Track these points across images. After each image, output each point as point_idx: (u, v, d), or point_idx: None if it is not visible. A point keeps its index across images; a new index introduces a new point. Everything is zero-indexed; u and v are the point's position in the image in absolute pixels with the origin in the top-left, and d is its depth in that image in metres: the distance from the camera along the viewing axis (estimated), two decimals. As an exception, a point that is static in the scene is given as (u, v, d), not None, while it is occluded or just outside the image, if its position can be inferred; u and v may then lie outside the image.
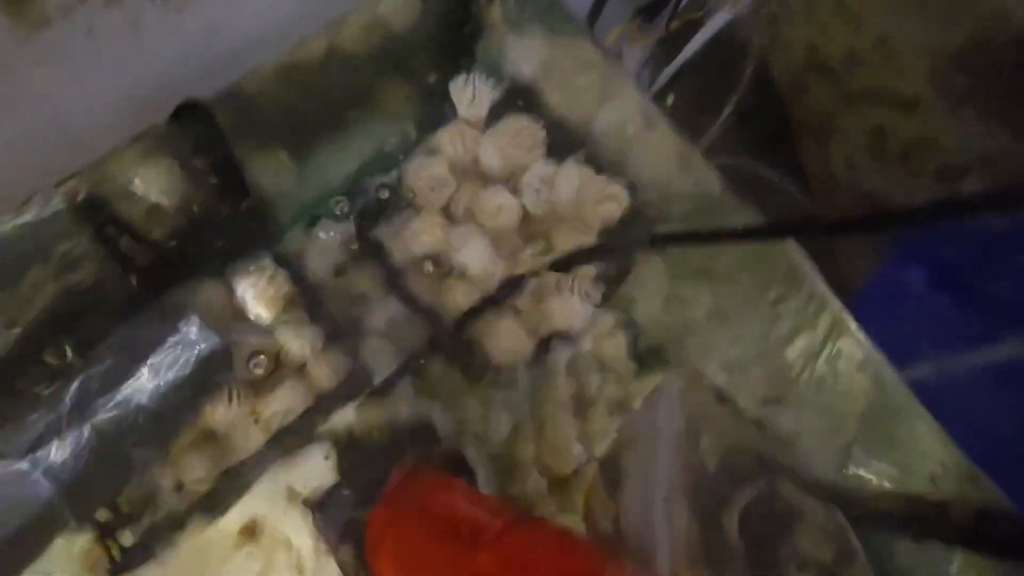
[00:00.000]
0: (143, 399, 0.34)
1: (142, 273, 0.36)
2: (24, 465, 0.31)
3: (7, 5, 0.22)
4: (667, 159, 0.38)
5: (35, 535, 0.32)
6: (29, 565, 0.31)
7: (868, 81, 0.25)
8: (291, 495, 0.46)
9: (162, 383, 0.34)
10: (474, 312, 0.40)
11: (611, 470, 0.32)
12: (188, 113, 0.29)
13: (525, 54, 0.42)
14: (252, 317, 0.41)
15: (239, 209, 0.38)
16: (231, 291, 0.41)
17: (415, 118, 0.50)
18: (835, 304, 0.41)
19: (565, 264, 0.39)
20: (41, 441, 0.31)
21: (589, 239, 0.43)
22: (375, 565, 0.33)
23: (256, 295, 0.40)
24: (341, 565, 0.34)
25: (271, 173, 0.44)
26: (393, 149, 0.51)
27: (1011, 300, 0.27)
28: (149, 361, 0.34)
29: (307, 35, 0.38)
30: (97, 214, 0.29)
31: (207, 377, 0.37)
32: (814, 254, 0.39)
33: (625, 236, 0.34)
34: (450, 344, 0.49)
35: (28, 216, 0.28)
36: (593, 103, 0.41)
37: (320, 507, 0.36)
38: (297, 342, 0.41)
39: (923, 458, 0.41)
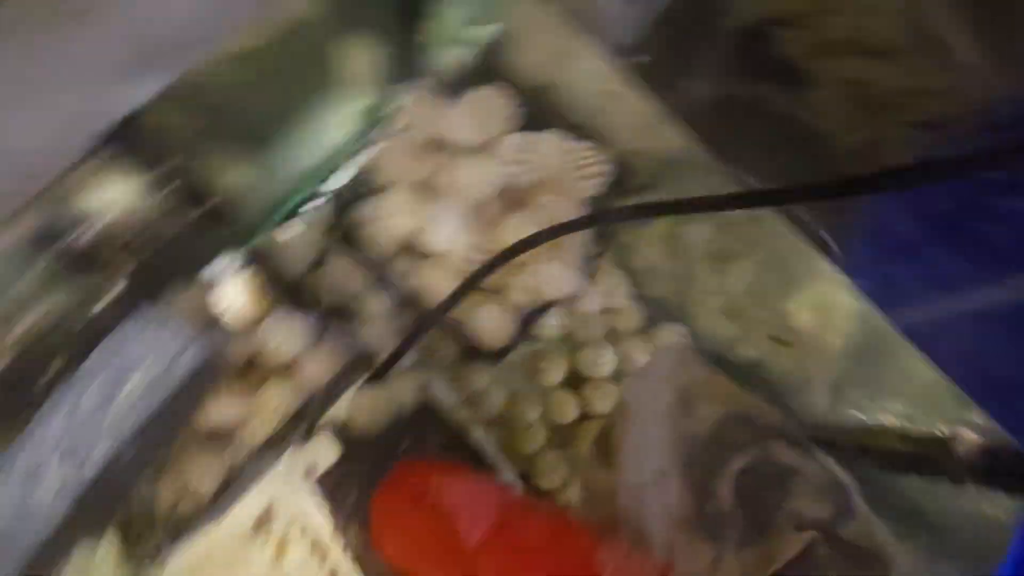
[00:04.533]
0: (133, 412, 0.34)
1: (119, 285, 0.36)
2: (25, 489, 0.31)
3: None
4: (644, 121, 0.36)
5: (49, 554, 0.32)
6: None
7: (838, 31, 0.23)
8: (300, 481, 0.47)
9: (151, 394, 0.34)
10: (457, 295, 0.40)
11: (604, 446, 0.32)
12: (133, 124, 0.28)
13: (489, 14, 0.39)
14: (233, 318, 0.41)
15: (202, 212, 0.37)
16: (208, 294, 0.40)
17: (379, 96, 0.48)
18: (822, 257, 0.39)
19: (547, 237, 0.37)
20: (41, 464, 0.32)
21: (573, 208, 0.41)
22: (380, 550, 0.34)
23: (235, 295, 0.40)
24: (348, 546, 0.35)
25: (233, 170, 0.43)
26: (359, 130, 0.49)
27: (1005, 244, 0.26)
28: (136, 374, 0.34)
29: (249, 17, 0.35)
30: (56, 240, 0.28)
31: (196, 382, 0.37)
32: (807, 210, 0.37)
33: (607, 209, 0.32)
34: (438, 327, 0.49)
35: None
36: (566, 66, 0.39)
37: (327, 489, 0.37)
38: (283, 338, 0.41)
39: (921, 400, 0.41)
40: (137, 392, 0.34)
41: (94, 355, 0.34)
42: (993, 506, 0.41)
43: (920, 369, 0.39)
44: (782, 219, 0.37)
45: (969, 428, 0.40)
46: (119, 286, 0.36)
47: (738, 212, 0.42)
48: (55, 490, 0.32)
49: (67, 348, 0.36)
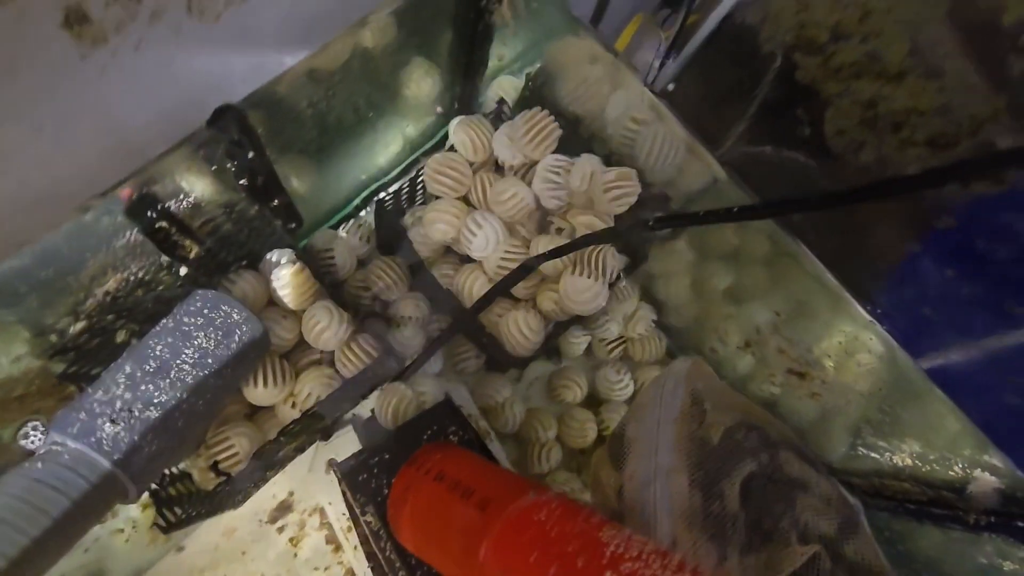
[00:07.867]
0: (189, 378, 0.37)
1: (189, 264, 0.40)
2: (84, 445, 0.33)
3: (70, 27, 0.25)
4: (674, 149, 0.40)
5: (95, 504, 0.34)
6: (91, 527, 0.34)
7: (854, 56, 0.26)
8: (322, 467, 0.50)
9: (206, 363, 0.37)
10: (488, 298, 0.42)
11: (617, 444, 0.34)
12: (224, 117, 0.32)
13: (533, 52, 0.43)
14: (282, 305, 0.44)
15: (271, 207, 0.41)
16: (264, 282, 0.44)
17: (433, 116, 0.53)
18: (852, 300, 0.40)
19: (574, 247, 0.40)
20: (98, 422, 0.34)
21: (603, 227, 0.44)
22: (396, 523, 0.36)
23: (285, 286, 0.43)
24: (366, 525, 0.36)
25: (297, 174, 0.47)
26: (413, 146, 0.54)
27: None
28: (196, 342, 0.37)
29: (331, 40, 0.40)
30: (149, 211, 0.32)
31: (247, 357, 0.40)
32: (836, 254, 0.39)
33: (630, 220, 0.35)
34: (467, 334, 0.51)
35: (88, 216, 0.31)
36: (602, 96, 0.43)
37: (347, 473, 0.39)
38: (322, 330, 0.44)
39: (939, 441, 0.41)
40: (191, 361, 0.37)
41: (159, 325, 0.38)
42: (1014, 562, 0.41)
43: (942, 413, 0.40)
44: (808, 258, 0.39)
45: (988, 472, 0.40)
46: (187, 265, 0.40)
47: (764, 248, 0.44)
48: (107, 451, 0.34)
49: (136, 316, 0.40)
